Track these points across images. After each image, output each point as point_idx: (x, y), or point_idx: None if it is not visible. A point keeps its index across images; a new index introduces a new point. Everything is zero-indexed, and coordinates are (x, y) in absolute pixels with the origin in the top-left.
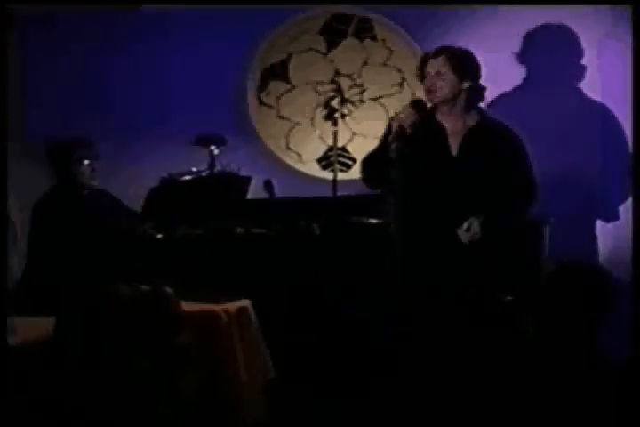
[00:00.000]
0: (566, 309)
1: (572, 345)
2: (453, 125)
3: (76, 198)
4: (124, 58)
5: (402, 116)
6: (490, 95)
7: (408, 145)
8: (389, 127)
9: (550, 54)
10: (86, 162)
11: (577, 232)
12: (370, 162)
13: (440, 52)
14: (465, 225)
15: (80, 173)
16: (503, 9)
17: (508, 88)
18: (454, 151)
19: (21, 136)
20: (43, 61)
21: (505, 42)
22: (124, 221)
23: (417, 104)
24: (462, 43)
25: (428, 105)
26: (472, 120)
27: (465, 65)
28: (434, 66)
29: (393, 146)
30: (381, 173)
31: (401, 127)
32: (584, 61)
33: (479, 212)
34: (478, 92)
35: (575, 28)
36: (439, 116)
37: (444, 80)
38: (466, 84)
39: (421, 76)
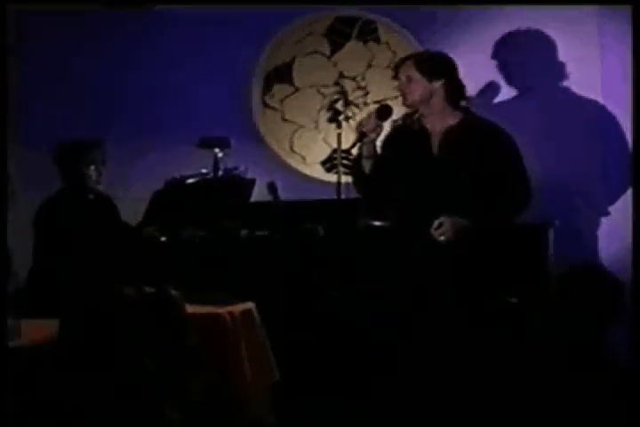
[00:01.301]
0: (578, 310)
1: (583, 346)
2: (435, 126)
3: (82, 201)
4: (127, 59)
5: (363, 121)
6: (491, 96)
7: (392, 148)
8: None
9: (553, 55)
10: (92, 167)
11: (579, 234)
12: (351, 168)
13: (408, 57)
14: (435, 224)
15: (87, 176)
16: (507, 10)
17: (508, 90)
18: (435, 151)
19: (22, 136)
20: (44, 62)
21: (507, 43)
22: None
23: (381, 109)
24: (465, 44)
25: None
26: (454, 119)
27: (432, 65)
28: (403, 71)
29: (355, 150)
30: (360, 178)
31: (361, 132)
32: (585, 62)
33: (462, 211)
34: (455, 89)
35: (577, 28)
36: (422, 119)
37: (413, 83)
38: (437, 84)
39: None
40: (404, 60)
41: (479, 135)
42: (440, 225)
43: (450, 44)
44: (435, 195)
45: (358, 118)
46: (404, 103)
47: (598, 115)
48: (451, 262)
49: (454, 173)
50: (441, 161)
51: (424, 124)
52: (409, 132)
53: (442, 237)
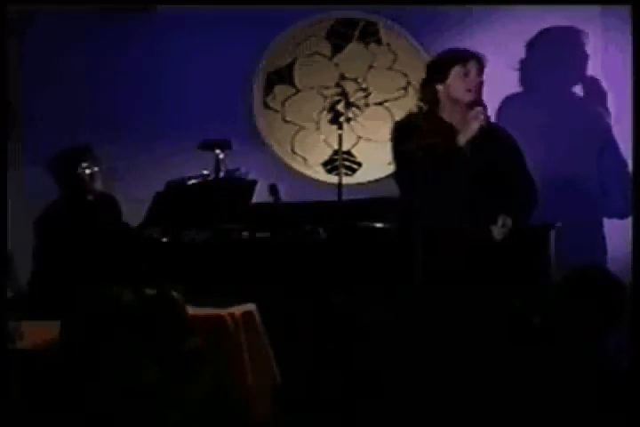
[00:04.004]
0: (579, 312)
1: (584, 348)
2: (464, 125)
3: (80, 204)
4: (127, 60)
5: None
6: (494, 99)
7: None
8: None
9: (556, 57)
10: (85, 170)
11: (580, 236)
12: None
13: (475, 53)
14: (500, 221)
15: (80, 179)
16: (508, 11)
17: (511, 92)
18: (467, 152)
19: (21, 139)
20: (44, 62)
21: (511, 45)
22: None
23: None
24: (466, 45)
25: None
26: (476, 121)
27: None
28: (475, 66)
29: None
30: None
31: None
32: (589, 64)
33: (494, 213)
34: None
35: (579, 28)
36: (447, 116)
37: (480, 81)
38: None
39: (445, 74)
40: (473, 55)
41: (496, 137)
42: (504, 224)
43: (450, 46)
44: (467, 195)
45: (360, 120)
46: (475, 98)
47: (599, 115)
48: (468, 263)
49: (484, 173)
50: (473, 161)
51: (448, 121)
52: (435, 130)
53: (504, 236)
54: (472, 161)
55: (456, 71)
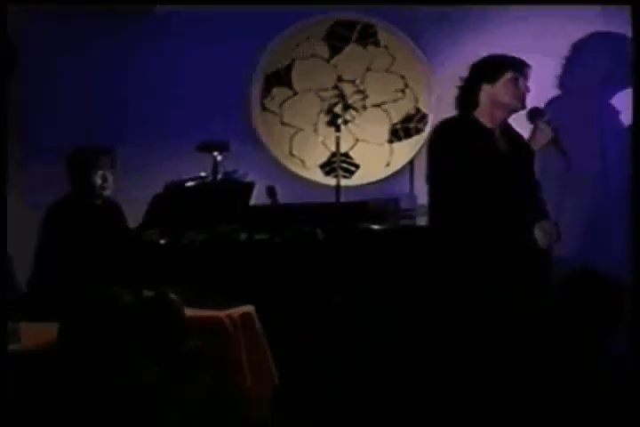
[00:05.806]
0: (580, 313)
1: (584, 348)
2: (503, 130)
3: (86, 206)
4: (126, 61)
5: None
6: None
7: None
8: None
9: (554, 56)
10: (100, 172)
11: (580, 236)
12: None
13: (528, 63)
14: (546, 226)
15: (93, 181)
16: (507, 12)
17: None
18: (510, 155)
19: (22, 139)
20: (43, 62)
21: (507, 45)
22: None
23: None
24: (464, 47)
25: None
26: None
27: None
28: (525, 76)
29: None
30: None
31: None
32: (589, 63)
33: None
34: None
35: (580, 28)
36: (485, 119)
37: (528, 91)
38: None
39: (497, 76)
40: (528, 65)
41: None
42: (548, 231)
43: (449, 47)
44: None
45: (357, 122)
46: (520, 106)
47: (599, 114)
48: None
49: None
50: (514, 164)
51: (486, 125)
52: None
53: (547, 243)
54: (515, 163)
55: (509, 76)
